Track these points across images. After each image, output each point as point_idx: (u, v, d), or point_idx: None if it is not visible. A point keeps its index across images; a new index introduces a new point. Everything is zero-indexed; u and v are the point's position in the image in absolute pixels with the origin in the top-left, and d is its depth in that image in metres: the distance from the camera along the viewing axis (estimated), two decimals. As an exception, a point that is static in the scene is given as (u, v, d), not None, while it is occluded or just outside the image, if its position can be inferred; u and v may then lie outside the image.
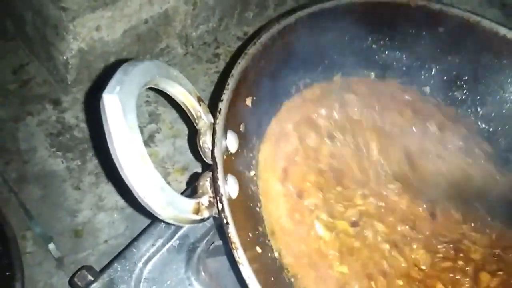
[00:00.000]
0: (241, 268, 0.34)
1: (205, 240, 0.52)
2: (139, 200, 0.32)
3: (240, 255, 0.34)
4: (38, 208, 0.65)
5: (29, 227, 0.63)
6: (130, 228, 0.66)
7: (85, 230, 0.65)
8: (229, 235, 0.35)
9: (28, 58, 0.79)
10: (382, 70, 0.61)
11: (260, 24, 0.96)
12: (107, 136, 0.31)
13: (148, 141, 0.75)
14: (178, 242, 0.52)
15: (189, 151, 0.74)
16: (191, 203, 0.36)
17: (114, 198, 0.68)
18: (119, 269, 0.48)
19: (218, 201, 0.36)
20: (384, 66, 0.61)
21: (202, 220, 0.37)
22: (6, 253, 0.54)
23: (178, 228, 0.52)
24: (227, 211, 0.36)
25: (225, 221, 0.36)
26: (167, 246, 0.51)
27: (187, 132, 0.77)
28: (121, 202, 0.68)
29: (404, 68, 0.61)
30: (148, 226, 0.52)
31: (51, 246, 0.62)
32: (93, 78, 0.76)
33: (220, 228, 0.36)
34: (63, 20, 0.67)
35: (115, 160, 0.31)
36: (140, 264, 0.49)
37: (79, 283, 0.48)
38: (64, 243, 0.63)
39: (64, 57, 0.71)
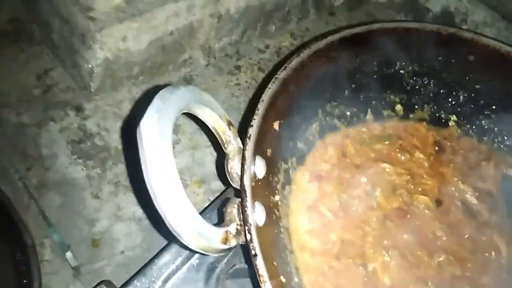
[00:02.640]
0: (268, 302, 0.34)
1: (225, 260, 0.52)
2: (171, 229, 0.32)
3: (267, 288, 0.34)
4: (57, 216, 0.66)
5: (48, 234, 0.64)
6: (146, 239, 0.66)
7: (102, 240, 0.65)
8: (258, 267, 0.35)
9: (53, 64, 0.79)
10: (408, 96, 0.60)
11: (281, 37, 0.96)
12: (142, 164, 0.31)
13: (168, 152, 0.75)
14: (197, 261, 0.51)
15: (207, 163, 0.75)
16: (219, 232, 0.36)
17: (132, 208, 0.68)
18: (138, 286, 0.48)
19: (247, 231, 0.36)
20: (411, 92, 0.60)
21: (230, 249, 0.37)
22: (24, 261, 0.55)
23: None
24: (256, 242, 0.36)
25: (253, 252, 0.35)
26: (186, 265, 0.51)
27: (205, 144, 0.77)
28: (138, 212, 0.68)
29: (431, 95, 0.60)
30: (168, 243, 0.52)
31: (68, 254, 0.63)
32: (116, 86, 0.77)
33: (246, 252, 0.36)
34: (90, 29, 0.67)
35: (149, 189, 0.31)
36: (159, 282, 0.49)
37: (98, 298, 0.48)
38: (82, 252, 0.64)
39: (89, 66, 0.71)
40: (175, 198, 0.32)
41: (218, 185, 0.73)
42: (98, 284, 0.49)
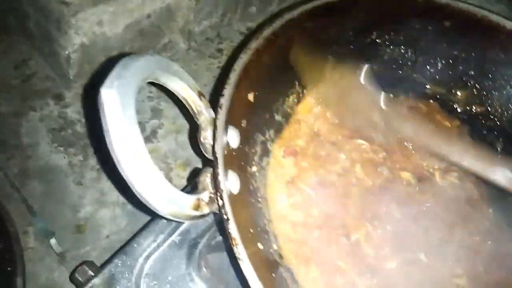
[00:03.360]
0: (241, 264, 0.33)
1: (207, 236, 0.52)
2: (138, 196, 0.32)
3: (240, 251, 0.34)
4: (40, 204, 0.65)
5: (31, 222, 0.63)
6: (131, 223, 0.66)
7: (87, 225, 0.65)
8: (229, 231, 0.34)
9: (31, 53, 0.79)
10: (386, 65, 0.60)
11: (263, 20, 0.95)
12: (104, 131, 0.31)
13: (151, 136, 0.75)
14: (179, 237, 0.51)
15: (191, 146, 0.74)
16: (191, 199, 0.36)
17: (115, 193, 0.68)
18: (120, 264, 0.48)
19: (219, 197, 0.36)
20: (388, 62, 0.60)
21: (203, 216, 0.37)
22: (7, 249, 0.54)
23: (179, 223, 0.52)
24: (228, 207, 0.35)
25: (225, 217, 0.35)
26: (168, 242, 0.51)
27: (189, 127, 0.77)
28: (122, 197, 0.68)
29: (409, 64, 0.60)
30: (149, 221, 0.52)
31: (52, 241, 0.62)
32: (95, 73, 0.76)
33: (221, 224, 0.36)
34: (65, 14, 0.66)
35: (113, 156, 0.31)
36: (141, 260, 0.49)
37: (80, 278, 0.48)
38: (66, 239, 0.63)
39: (66, 52, 0.70)
40: (141, 165, 0.31)
41: (203, 167, 0.73)
42: (80, 265, 0.49)
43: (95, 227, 0.65)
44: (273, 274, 0.40)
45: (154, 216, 0.52)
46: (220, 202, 0.36)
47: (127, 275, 0.48)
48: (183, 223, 0.52)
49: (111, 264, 0.48)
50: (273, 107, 0.53)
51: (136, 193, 0.32)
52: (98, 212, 0.66)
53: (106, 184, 0.69)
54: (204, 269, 0.50)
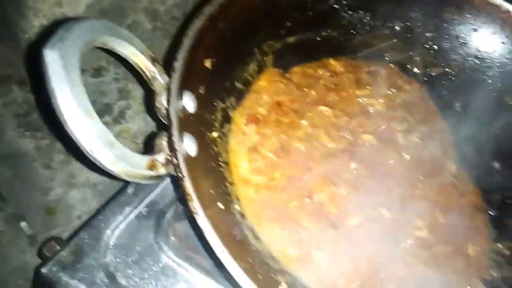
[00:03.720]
0: (197, 218, 0.34)
1: (174, 206, 0.52)
2: (88, 155, 0.32)
3: (195, 206, 0.34)
4: (8, 189, 0.65)
5: (0, 207, 0.63)
6: (103, 203, 0.66)
7: (57, 207, 0.65)
8: (185, 187, 0.35)
9: (-9, 40, 0.77)
10: (345, 31, 0.60)
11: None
12: (49, 92, 0.31)
13: (119, 117, 0.75)
14: (146, 209, 0.52)
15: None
16: (144, 159, 0.36)
17: (85, 175, 0.68)
18: (86, 237, 0.48)
19: (174, 157, 0.36)
20: (347, 28, 0.60)
21: (159, 177, 0.37)
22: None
23: (146, 195, 0.53)
24: (182, 165, 0.36)
25: (180, 175, 0.36)
26: (135, 213, 0.51)
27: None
28: (93, 178, 0.68)
29: (367, 28, 0.61)
30: (115, 194, 0.52)
31: (23, 224, 0.62)
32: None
33: (180, 190, 0.36)
34: (22, -4, 0.65)
35: (59, 116, 0.31)
36: (108, 232, 0.49)
37: (47, 253, 0.48)
38: (37, 221, 0.63)
39: (27, 36, 0.69)
40: (88, 123, 0.32)
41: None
42: (46, 241, 0.49)
43: (66, 209, 0.65)
44: (233, 232, 0.41)
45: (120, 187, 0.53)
46: (175, 161, 0.36)
47: (94, 247, 0.48)
48: (148, 194, 0.52)
49: (78, 237, 0.48)
50: (233, 75, 0.53)
51: (85, 152, 0.32)
52: (68, 194, 0.66)
53: (76, 166, 0.68)
54: (172, 238, 0.50)
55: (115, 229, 0.49)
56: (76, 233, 0.49)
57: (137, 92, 0.78)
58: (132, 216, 0.50)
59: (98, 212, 0.50)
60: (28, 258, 0.60)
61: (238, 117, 0.53)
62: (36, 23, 0.68)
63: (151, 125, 0.75)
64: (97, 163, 0.33)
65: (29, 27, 0.69)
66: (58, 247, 0.48)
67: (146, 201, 0.52)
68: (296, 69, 0.59)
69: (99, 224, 0.49)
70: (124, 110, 0.76)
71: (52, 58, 0.31)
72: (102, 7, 0.74)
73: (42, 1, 0.67)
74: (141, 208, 0.51)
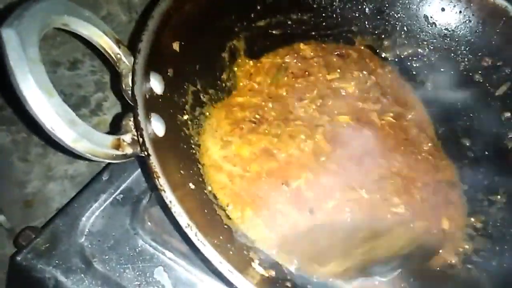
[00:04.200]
0: (163, 194, 0.34)
1: (149, 192, 0.52)
2: (49, 133, 0.32)
3: (161, 183, 0.35)
4: (-16, 183, 0.64)
5: (-23, 202, 0.63)
6: (80, 193, 0.66)
7: (35, 200, 0.64)
8: (150, 166, 0.35)
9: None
10: (316, 14, 0.61)
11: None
12: (8, 70, 0.31)
13: (96, 109, 0.74)
14: (122, 195, 0.52)
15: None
16: (109, 138, 0.36)
17: (63, 167, 0.67)
18: (61, 225, 0.48)
19: (139, 136, 0.37)
20: (318, 10, 0.61)
21: (125, 156, 0.38)
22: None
23: (121, 182, 0.53)
24: (148, 144, 0.36)
25: (145, 153, 0.36)
26: (110, 200, 0.51)
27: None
28: (71, 170, 0.68)
29: (338, 11, 0.62)
30: (90, 182, 0.52)
31: (1, 217, 0.62)
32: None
33: (147, 171, 0.36)
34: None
35: (19, 95, 0.31)
36: (83, 219, 0.49)
37: (23, 243, 0.48)
38: (15, 214, 0.63)
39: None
40: (48, 101, 0.32)
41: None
42: (22, 230, 0.49)
43: (44, 201, 0.64)
44: (205, 210, 0.41)
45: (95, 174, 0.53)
46: (141, 140, 0.36)
47: (69, 234, 0.48)
48: (124, 181, 0.53)
49: (52, 225, 0.48)
50: (203, 59, 0.53)
51: (45, 129, 0.32)
52: (46, 187, 0.66)
53: (53, 158, 0.68)
54: (148, 223, 0.51)
55: (91, 216, 0.49)
56: (51, 221, 0.48)
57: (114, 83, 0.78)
58: (107, 202, 0.51)
59: (73, 199, 0.50)
60: (7, 251, 0.59)
61: (218, 113, 0.53)
62: None
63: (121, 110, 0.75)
64: (59, 142, 0.33)
65: None
66: (33, 236, 0.48)
67: (121, 187, 0.52)
68: (265, 60, 0.59)
69: (74, 212, 0.49)
70: (101, 102, 0.75)
71: (9, 36, 0.31)
72: (74, -1, 0.74)
73: (12, -6, 0.67)
74: (116, 195, 0.51)
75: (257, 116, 0.54)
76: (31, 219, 0.63)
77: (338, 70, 0.60)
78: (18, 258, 0.46)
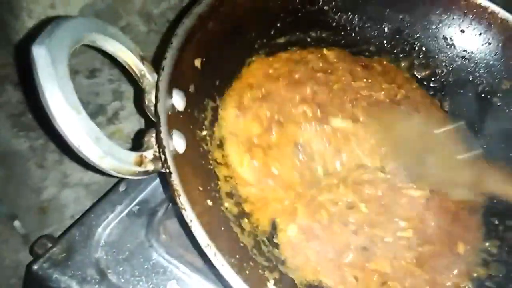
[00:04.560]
0: (184, 213, 0.35)
1: (165, 204, 0.53)
2: (75, 150, 0.33)
3: (182, 201, 0.35)
4: (2, 188, 0.65)
5: (-7, 206, 0.63)
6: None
7: (50, 206, 0.65)
8: (172, 183, 0.36)
9: (-14, 41, 0.78)
10: (335, 32, 0.61)
11: None
12: (38, 87, 0.32)
13: (113, 118, 0.75)
14: (137, 207, 0.52)
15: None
16: (132, 154, 0.37)
17: (78, 174, 0.68)
18: (77, 235, 0.49)
19: (161, 153, 0.37)
20: (337, 29, 0.61)
21: (147, 173, 0.38)
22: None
23: (137, 194, 0.53)
24: (170, 161, 0.37)
25: (167, 170, 0.36)
26: (126, 211, 0.51)
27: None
28: (86, 178, 0.68)
29: (357, 30, 0.62)
30: (107, 193, 0.52)
31: (16, 223, 0.62)
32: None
33: (168, 187, 0.37)
34: (16, -3, 0.66)
35: (47, 112, 0.32)
36: (99, 229, 0.50)
37: (39, 251, 0.48)
38: (30, 220, 0.63)
39: (20, 36, 0.70)
40: (75, 118, 0.32)
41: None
42: (38, 239, 0.49)
43: (59, 208, 0.65)
44: (222, 228, 0.41)
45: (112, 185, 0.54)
46: (163, 157, 0.37)
47: (85, 244, 0.49)
48: (140, 193, 0.53)
49: (69, 235, 0.49)
50: (223, 74, 0.53)
51: (72, 147, 0.32)
52: (61, 193, 0.66)
53: (69, 165, 0.69)
54: (163, 236, 0.51)
55: (107, 227, 0.50)
56: (67, 230, 0.49)
57: (131, 93, 0.79)
58: (123, 214, 0.51)
59: (89, 210, 0.51)
60: (21, 257, 0.60)
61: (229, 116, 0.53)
62: (29, 24, 0.69)
63: (144, 126, 0.76)
64: (85, 159, 0.33)
65: (22, 28, 0.70)
66: (49, 245, 0.48)
67: (138, 199, 0.52)
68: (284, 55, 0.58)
69: (91, 222, 0.50)
70: (118, 111, 0.76)
71: (39, 53, 0.32)
72: (95, 9, 0.75)
73: (36, 2, 0.68)
74: (133, 206, 0.52)
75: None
76: (45, 225, 0.64)
77: (365, 80, 0.58)
78: (35, 267, 0.46)
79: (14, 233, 0.62)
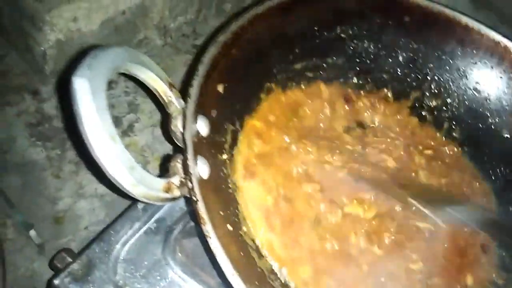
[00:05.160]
0: (209, 241, 0.36)
1: (182, 222, 0.54)
2: (110, 178, 0.34)
3: (208, 229, 0.36)
4: (18, 197, 0.66)
5: (10, 215, 0.65)
6: (110, 215, 0.68)
7: (65, 217, 0.66)
8: (198, 211, 0.37)
9: (6, 49, 0.79)
10: (350, 59, 0.63)
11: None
12: (77, 118, 0.33)
13: (128, 130, 0.77)
14: (155, 224, 0.54)
15: (163, 136, 0.76)
16: (161, 182, 0.38)
17: (94, 186, 0.70)
18: (97, 250, 0.50)
19: (188, 181, 0.38)
20: (353, 56, 0.63)
21: (174, 199, 0.39)
22: (-14, 240, 0.56)
23: (155, 211, 0.54)
24: (197, 189, 0.38)
25: (194, 198, 0.38)
26: (144, 229, 0.53)
27: (161, 117, 0.79)
28: (101, 189, 0.70)
29: (372, 57, 0.64)
30: (126, 209, 0.54)
31: (32, 232, 0.64)
32: (70, 64, 0.77)
33: (191, 208, 0.38)
34: (39, 11, 0.68)
35: (85, 141, 0.33)
36: (117, 246, 0.51)
37: (59, 265, 0.50)
38: (45, 230, 0.65)
39: (42, 48, 0.72)
40: (112, 148, 0.34)
41: (179, 160, 0.75)
42: (58, 252, 0.51)
43: (73, 219, 0.66)
44: (241, 253, 0.43)
45: (131, 202, 0.55)
46: (190, 185, 0.38)
47: (104, 260, 0.50)
48: (158, 210, 0.54)
49: (89, 250, 0.50)
50: (243, 98, 0.55)
51: (107, 175, 0.34)
52: (76, 204, 0.68)
53: (85, 176, 0.70)
54: (179, 254, 0.52)
55: (125, 243, 0.51)
56: (87, 246, 0.50)
57: (146, 105, 0.80)
58: (141, 231, 0.52)
59: (109, 226, 0.52)
60: (36, 267, 0.62)
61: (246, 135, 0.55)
62: (52, 37, 0.71)
63: (158, 139, 0.77)
64: (118, 186, 0.35)
65: (44, 40, 0.71)
66: (69, 259, 0.49)
67: (155, 217, 0.54)
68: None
69: (110, 238, 0.51)
70: (133, 124, 0.78)
71: (80, 85, 0.33)
72: (116, 23, 0.77)
73: (59, 16, 0.69)
74: (150, 223, 0.53)
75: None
76: (60, 236, 0.65)
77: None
78: (56, 282, 0.47)
79: (29, 242, 0.63)
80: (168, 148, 0.77)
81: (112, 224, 0.52)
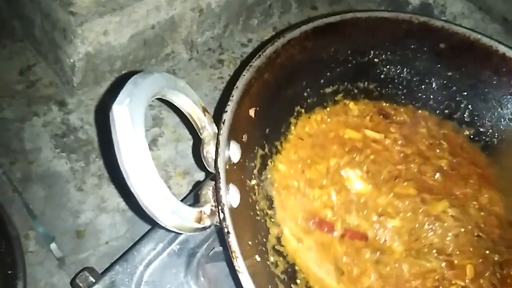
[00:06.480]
0: (241, 276, 0.35)
1: (205, 246, 0.53)
2: (145, 209, 0.33)
3: (240, 264, 0.35)
4: (41, 208, 0.66)
5: (32, 226, 0.65)
6: (130, 230, 0.67)
7: (86, 231, 0.66)
8: (230, 244, 0.36)
9: (35, 60, 0.80)
10: (382, 84, 0.62)
11: (264, 32, 0.98)
12: (115, 146, 0.33)
13: (151, 144, 0.77)
14: (178, 246, 0.53)
15: (190, 155, 0.76)
16: (193, 212, 0.37)
17: (116, 200, 0.69)
18: (120, 271, 0.50)
19: (220, 211, 0.38)
20: (385, 81, 0.62)
21: (204, 228, 0.39)
22: (9, 252, 0.55)
23: (178, 233, 0.54)
24: (229, 221, 0.37)
25: (226, 230, 0.37)
26: (167, 251, 0.52)
27: (188, 136, 0.79)
28: (122, 204, 0.69)
29: (404, 83, 0.62)
30: (149, 230, 0.53)
31: (53, 246, 0.64)
32: (99, 81, 0.78)
33: (221, 234, 0.37)
34: (71, 24, 0.68)
35: (122, 170, 0.33)
36: (141, 267, 0.50)
37: (81, 284, 0.49)
38: (66, 243, 0.64)
39: (71, 60, 0.72)
40: (148, 179, 0.33)
41: (202, 176, 0.75)
42: (81, 271, 0.50)
43: (94, 233, 0.66)
44: (269, 286, 0.42)
45: (153, 224, 0.54)
46: (222, 215, 0.37)
47: (127, 282, 0.49)
48: (182, 233, 0.53)
49: (112, 271, 0.49)
50: (273, 123, 0.54)
51: (142, 206, 0.33)
52: (98, 218, 0.67)
53: (107, 190, 0.70)
54: (202, 278, 0.51)
55: (148, 265, 0.50)
56: (110, 266, 0.50)
57: (170, 120, 0.80)
58: (165, 253, 0.52)
59: (132, 246, 0.51)
60: (55, 280, 0.61)
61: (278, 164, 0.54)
62: (82, 49, 0.71)
63: (181, 154, 0.77)
64: (153, 217, 0.34)
65: (74, 52, 0.71)
66: (91, 279, 0.49)
67: (179, 238, 0.53)
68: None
69: (134, 259, 0.50)
70: (157, 138, 0.77)
71: (119, 113, 0.33)
72: (144, 37, 0.77)
73: (90, 29, 0.70)
74: (174, 245, 0.52)
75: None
76: (81, 250, 0.65)
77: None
78: (78, 303, 0.47)
79: (50, 256, 0.63)
80: (189, 163, 0.76)
81: (135, 245, 0.52)
